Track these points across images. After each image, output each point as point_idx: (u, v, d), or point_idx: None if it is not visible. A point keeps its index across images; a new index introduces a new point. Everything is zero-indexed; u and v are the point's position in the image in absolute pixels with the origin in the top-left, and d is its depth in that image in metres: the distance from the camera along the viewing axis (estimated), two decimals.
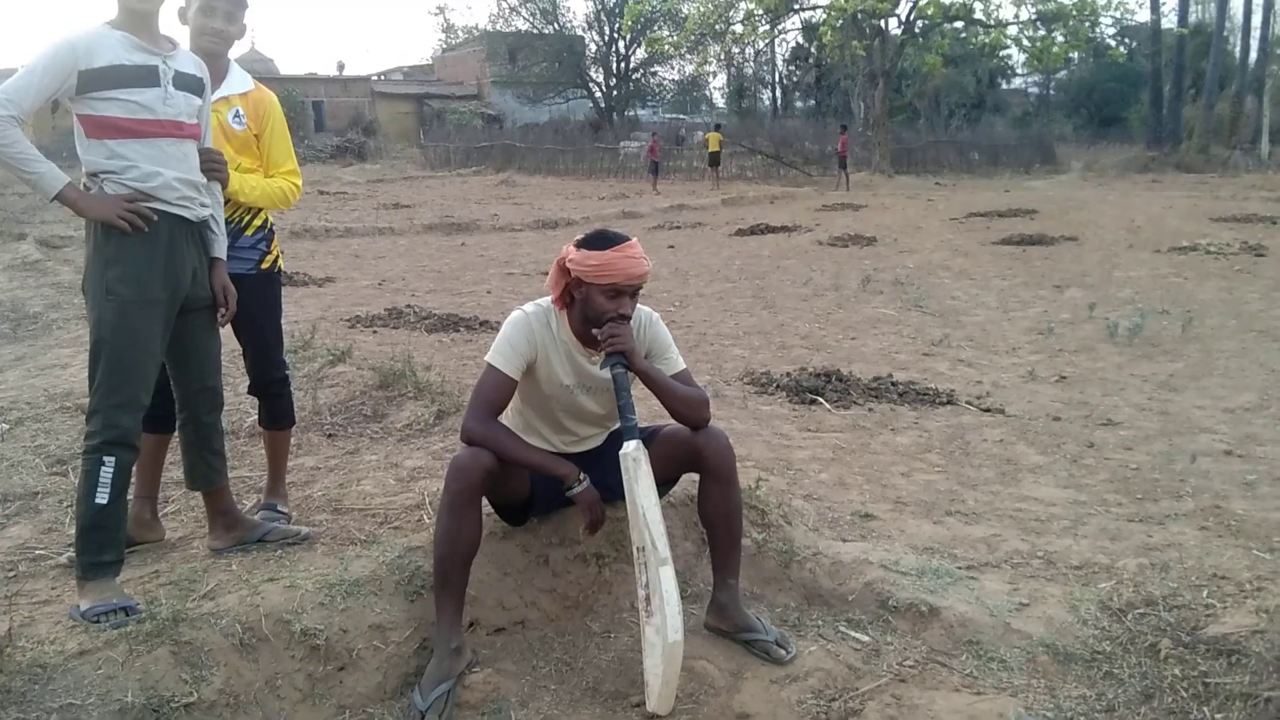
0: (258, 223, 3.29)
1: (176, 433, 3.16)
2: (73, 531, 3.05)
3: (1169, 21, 36.16)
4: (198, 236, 2.84)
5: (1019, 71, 49.58)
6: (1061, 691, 2.51)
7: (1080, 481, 4.21)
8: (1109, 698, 2.47)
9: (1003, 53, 35.97)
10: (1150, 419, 5.16)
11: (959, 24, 31.18)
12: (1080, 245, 12.63)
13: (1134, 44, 41.58)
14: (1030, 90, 55.48)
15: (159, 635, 2.47)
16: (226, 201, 3.06)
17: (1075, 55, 32.19)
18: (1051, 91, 54.82)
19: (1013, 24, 30.28)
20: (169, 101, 2.68)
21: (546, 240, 14.42)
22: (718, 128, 31.05)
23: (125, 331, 2.64)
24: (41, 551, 3.23)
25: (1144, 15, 36.52)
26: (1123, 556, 3.31)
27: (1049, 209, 17.54)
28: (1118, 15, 29.76)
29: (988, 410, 5.33)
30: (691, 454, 2.75)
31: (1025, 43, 30.48)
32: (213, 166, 2.89)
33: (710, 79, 52.33)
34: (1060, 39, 29.35)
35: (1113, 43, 32.85)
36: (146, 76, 2.64)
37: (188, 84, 2.76)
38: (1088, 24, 29.23)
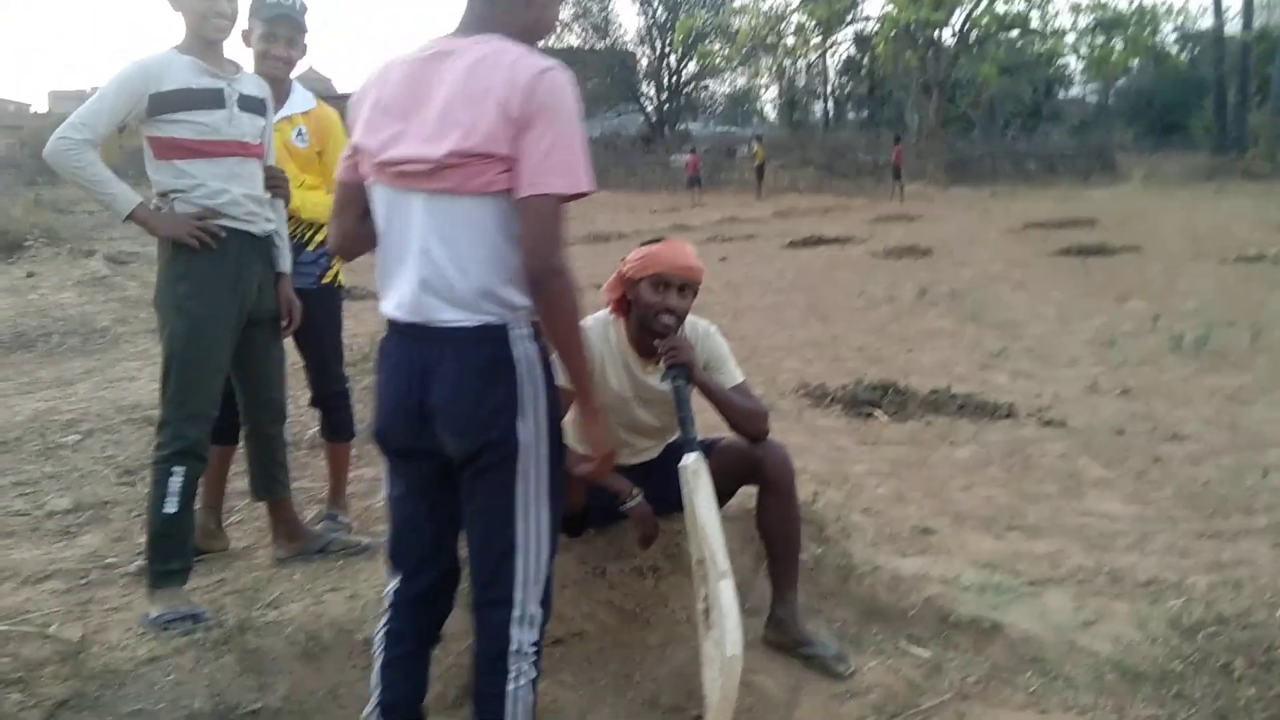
0: (319, 238, 3.35)
1: (241, 444, 3.23)
2: (142, 540, 3.14)
3: (1233, 27, 35.36)
4: (264, 252, 2.91)
5: (1077, 80, 48.80)
6: (1130, 712, 2.46)
7: (1146, 496, 4.11)
8: (1180, 719, 2.41)
9: (1060, 61, 35.47)
10: (1219, 432, 5.03)
11: (1014, 33, 30.81)
12: (1142, 255, 12.36)
13: (1196, 50, 40.75)
14: (1089, 99, 54.56)
15: (226, 643, 2.52)
16: (289, 218, 3.13)
17: (1135, 63, 31.54)
18: (1111, 100, 53.86)
19: (1070, 32, 29.86)
20: (234, 122, 2.76)
21: (598, 253, 14.49)
22: (759, 139, 31.01)
23: (195, 345, 2.71)
24: (112, 559, 3.31)
25: (1206, 21, 35.80)
26: (1192, 573, 3.23)
27: (1109, 218, 17.19)
28: (1179, 22, 29.23)
29: (1049, 423, 5.24)
30: (751, 467, 2.75)
31: (1083, 50, 30.04)
32: (276, 183, 2.97)
33: (762, 91, 52.37)
34: (1120, 46, 28.86)
35: (1174, 49, 32.23)
36: (213, 99, 2.72)
37: (251, 105, 2.84)
38: (1148, 31, 28.71)
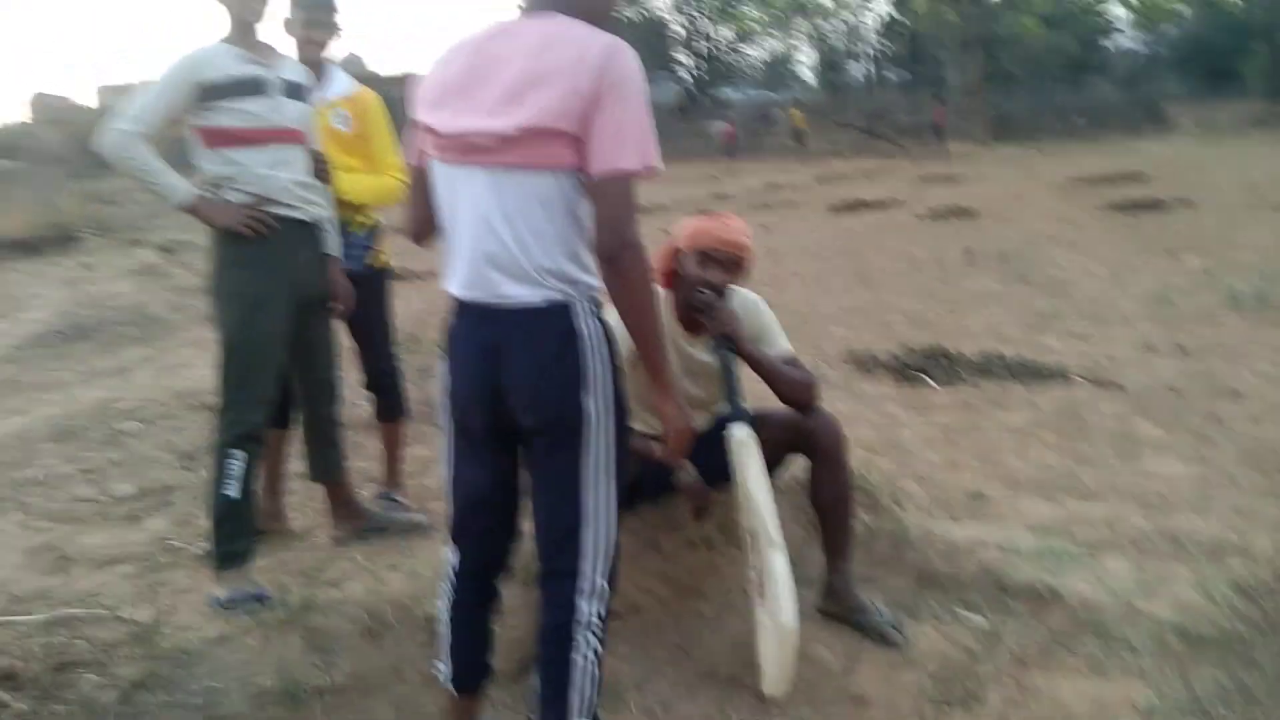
0: (366, 222, 3.39)
1: (296, 427, 3.29)
2: (205, 523, 3.22)
3: None
4: (313, 236, 2.95)
5: (1123, 30, 47.40)
6: (1194, 677, 2.42)
7: (1205, 456, 4.03)
8: (1248, 685, 2.37)
9: (1105, 9, 34.50)
10: (1279, 390, 4.91)
11: None
12: (1196, 208, 12.06)
13: None
14: (1137, 50, 53.02)
15: (291, 622, 2.59)
16: (335, 201, 3.17)
17: (1185, 7, 30.59)
18: (1160, 49, 52.32)
19: None
20: (279, 108, 2.80)
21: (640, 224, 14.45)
22: (797, 102, 30.65)
23: (250, 330, 2.77)
24: (177, 543, 3.40)
25: None
26: (1256, 535, 3.17)
27: (1160, 171, 16.78)
28: None
29: (1102, 384, 5.15)
30: (801, 437, 2.74)
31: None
32: (321, 168, 3.00)
33: (799, 55, 51.67)
34: None
35: None
36: (258, 86, 2.75)
37: (295, 91, 2.87)
38: None
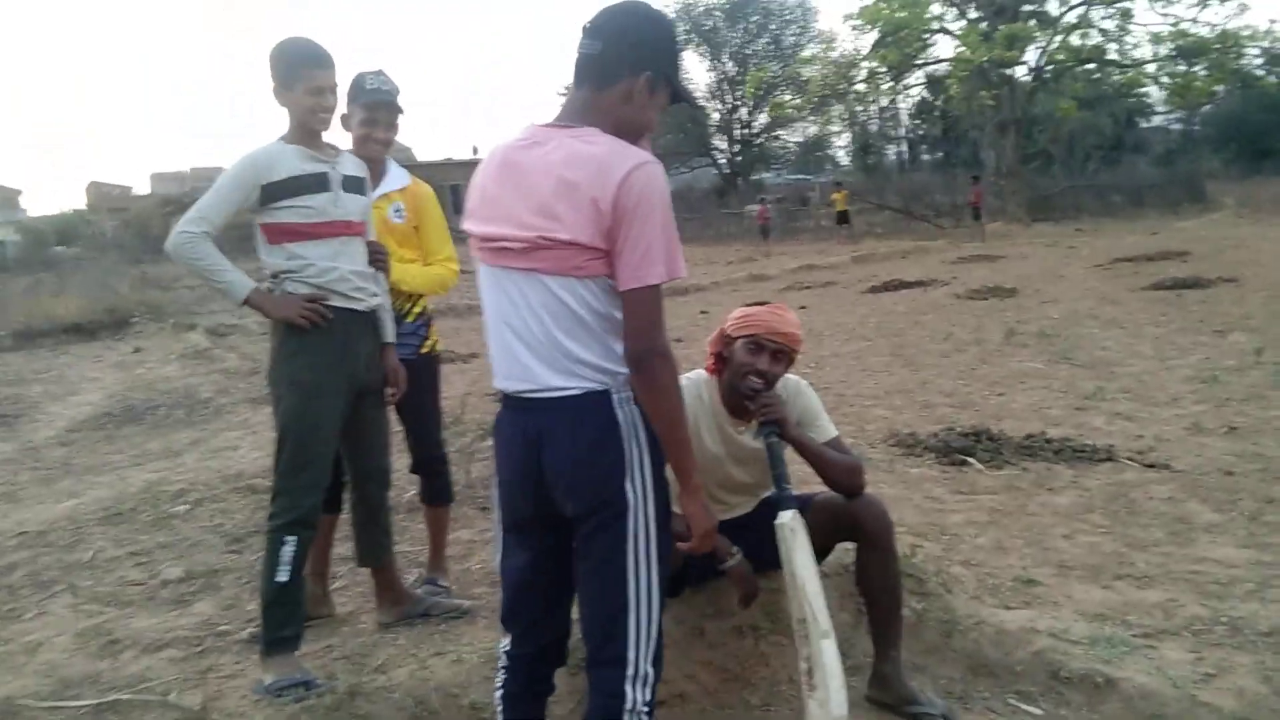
0: (418, 310, 3.48)
1: (345, 512, 3.34)
2: (252, 607, 3.25)
3: None
4: (370, 325, 3.04)
5: (1159, 109, 47.58)
6: None
7: (1262, 540, 3.94)
8: None
9: (1140, 91, 34.68)
10: None
11: (1091, 66, 30.32)
12: (1241, 286, 11.94)
13: None
14: (1173, 127, 53.10)
15: (338, 709, 2.59)
16: (390, 290, 3.25)
17: (1220, 88, 30.62)
18: (1196, 126, 52.37)
19: (1150, 62, 29.21)
20: (339, 203, 2.90)
21: (677, 307, 14.56)
22: (839, 185, 30.99)
23: (308, 418, 2.84)
24: (225, 627, 3.43)
25: None
26: None
27: (1202, 250, 16.68)
28: (1265, 44, 28.34)
29: (1152, 466, 5.07)
30: (848, 522, 2.74)
31: (1165, 80, 29.33)
32: (378, 258, 3.10)
33: (835, 138, 52.37)
34: (1203, 73, 28.12)
35: (1261, 72, 31.15)
36: (319, 183, 2.87)
37: (353, 185, 2.98)
38: (1231, 55, 27.95)
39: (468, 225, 2.04)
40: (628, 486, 1.90)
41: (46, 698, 2.86)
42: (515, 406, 1.99)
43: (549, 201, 1.85)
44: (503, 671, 2.16)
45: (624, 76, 1.94)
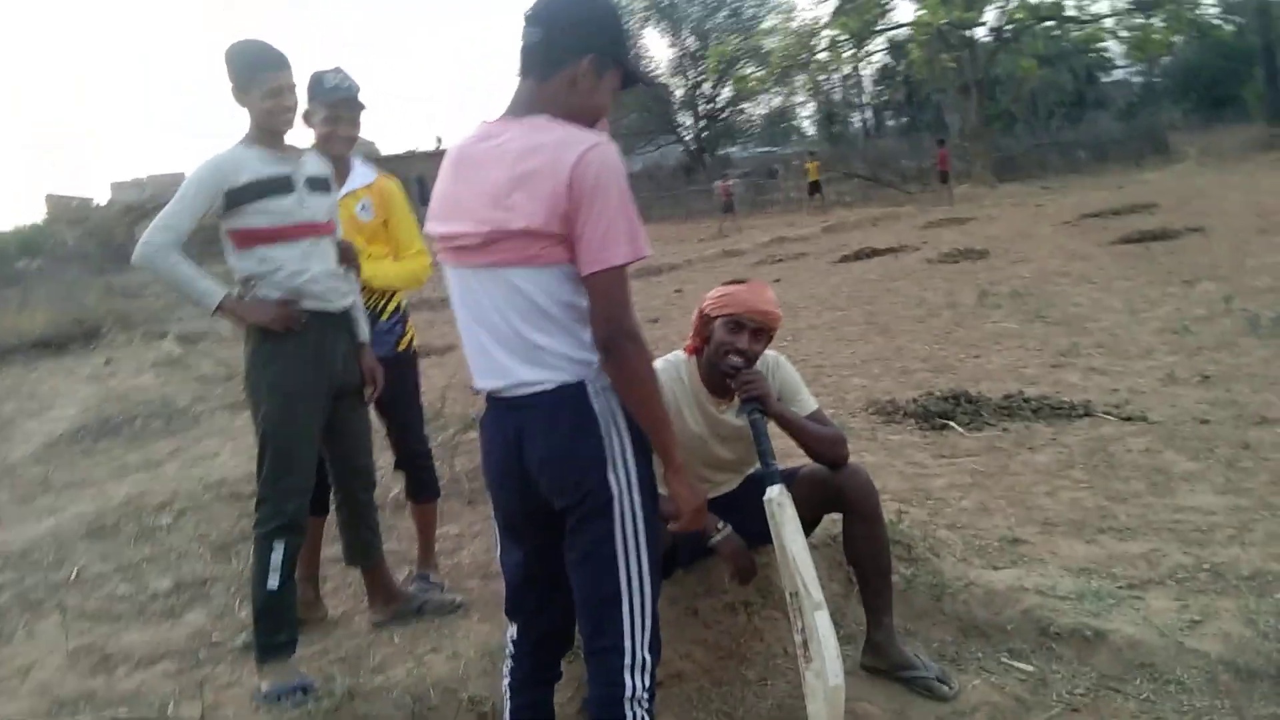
0: (392, 306, 3.46)
1: (331, 514, 3.32)
2: (244, 615, 3.23)
3: None
4: (344, 325, 3.02)
5: (1119, 63, 47.82)
6: (1250, 712, 2.40)
7: (1240, 486, 4.01)
8: None
9: (1100, 46, 34.87)
10: None
11: (1050, 23, 30.43)
12: (1207, 235, 12.06)
13: (1241, 20, 39.77)
14: (1134, 80, 53.43)
15: (337, 711, 2.60)
16: (362, 288, 3.24)
17: (1178, 39, 30.81)
18: (1156, 79, 52.74)
19: (1108, 16, 29.37)
20: (305, 204, 2.88)
21: (651, 287, 14.58)
22: (812, 155, 31.03)
23: (287, 423, 2.82)
24: (218, 637, 3.42)
25: None
26: None
27: (1168, 201, 16.83)
28: None
29: (1128, 419, 5.13)
30: (833, 494, 2.75)
31: (1123, 34, 29.51)
32: (347, 257, 3.07)
33: (799, 109, 52.37)
34: (1160, 24, 28.30)
35: (1217, 21, 31.38)
36: (283, 185, 2.84)
37: (318, 185, 2.96)
38: (1188, 6, 28.13)
39: (429, 227, 2.04)
40: (610, 477, 1.90)
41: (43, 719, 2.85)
42: (495, 405, 2.00)
43: (503, 192, 1.84)
44: (509, 660, 2.18)
45: (567, 62, 1.92)
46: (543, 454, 1.91)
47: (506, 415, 1.96)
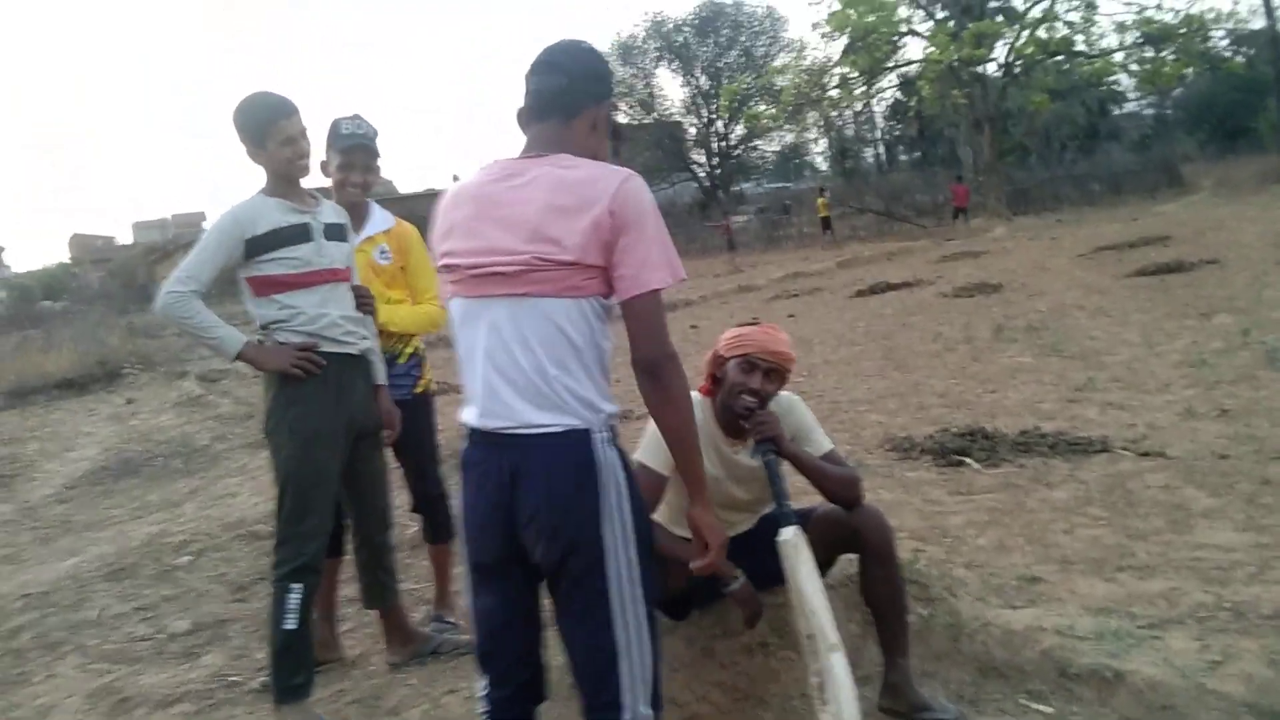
0: (409, 350, 3.50)
1: (348, 555, 3.35)
2: (261, 656, 3.25)
3: None
4: (362, 369, 3.06)
5: (1131, 95, 47.91)
6: None
7: (1260, 523, 3.97)
8: None
9: (1111, 79, 34.98)
10: None
11: (1060, 58, 30.57)
12: (1223, 267, 12.01)
13: (1252, 51, 39.85)
14: (1146, 113, 53.52)
15: None
16: (380, 332, 3.28)
17: (1189, 71, 30.89)
18: (1169, 110, 52.80)
19: (1118, 50, 29.49)
20: (322, 251, 2.93)
21: (668, 323, 14.57)
22: (822, 191, 31.19)
23: (308, 466, 2.86)
24: (235, 678, 3.43)
25: (1259, 21, 34.97)
26: None
27: (1183, 233, 16.78)
28: (1230, 26, 28.64)
29: (1146, 454, 5.10)
30: (848, 534, 2.76)
31: (1134, 67, 29.63)
32: (364, 302, 3.12)
33: (811, 145, 52.63)
34: (1171, 58, 28.39)
35: (1229, 53, 31.48)
36: (301, 234, 2.90)
37: (335, 233, 3.02)
38: (1198, 39, 28.22)
39: (443, 259, 2.03)
40: (605, 531, 1.87)
41: None
42: (490, 443, 1.94)
43: (540, 228, 1.87)
44: (485, 717, 2.09)
45: (589, 106, 2.04)
46: (539, 500, 1.87)
47: (501, 453, 1.91)
